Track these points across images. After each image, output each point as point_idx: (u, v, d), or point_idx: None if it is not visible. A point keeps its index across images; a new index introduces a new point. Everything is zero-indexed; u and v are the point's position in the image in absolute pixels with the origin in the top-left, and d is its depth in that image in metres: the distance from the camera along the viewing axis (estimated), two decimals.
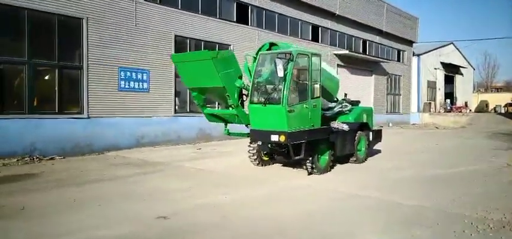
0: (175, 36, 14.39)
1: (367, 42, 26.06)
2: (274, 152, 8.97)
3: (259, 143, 8.71)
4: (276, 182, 7.94)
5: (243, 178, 8.44)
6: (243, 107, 8.42)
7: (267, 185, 7.77)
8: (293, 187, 7.63)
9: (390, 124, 27.62)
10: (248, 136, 8.70)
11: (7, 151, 10.05)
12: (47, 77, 11.46)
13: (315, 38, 21.49)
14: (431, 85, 34.97)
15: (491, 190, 7.42)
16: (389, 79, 28.52)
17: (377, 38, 26.90)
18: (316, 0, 20.70)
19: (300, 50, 8.20)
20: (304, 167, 8.44)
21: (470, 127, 27.70)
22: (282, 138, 7.59)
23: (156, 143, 13.67)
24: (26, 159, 10.12)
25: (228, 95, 8.10)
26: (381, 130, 12.15)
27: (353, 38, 24.72)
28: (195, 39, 15.17)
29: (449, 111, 35.11)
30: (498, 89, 61.97)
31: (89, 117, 11.98)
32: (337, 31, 23.18)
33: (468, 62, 42.15)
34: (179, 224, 5.29)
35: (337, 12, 22.30)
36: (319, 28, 21.76)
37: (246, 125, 8.67)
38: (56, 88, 11.37)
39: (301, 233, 5.00)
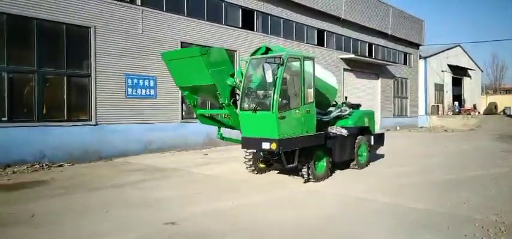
0: (181, 42, 14.50)
1: (373, 45, 25.99)
2: (270, 159, 8.71)
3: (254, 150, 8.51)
4: (283, 188, 7.92)
5: (250, 183, 8.43)
6: (235, 107, 8.02)
7: (274, 190, 7.75)
8: (300, 192, 7.60)
9: (398, 128, 27.44)
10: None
11: (17, 158, 10.18)
12: (55, 85, 11.60)
13: (320, 43, 21.49)
14: (439, 88, 34.71)
15: (502, 193, 7.32)
16: (396, 82, 28.38)
17: (383, 42, 26.81)
18: (321, 5, 20.73)
19: (291, 54, 7.80)
20: (300, 174, 8.18)
21: (479, 129, 27.41)
22: (273, 146, 7.30)
23: (163, 149, 13.73)
24: (35, 166, 10.23)
25: (218, 94, 7.80)
26: (383, 133, 11.79)
27: (359, 42, 24.67)
28: (201, 45, 15.25)
29: (458, 114, 34.78)
30: (507, 91, 61.22)
31: (97, 124, 12.09)
32: (343, 35, 23.16)
33: (476, 64, 41.80)
34: (187, 230, 5.30)
35: (343, 17, 22.30)
36: (325, 32, 21.76)
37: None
38: (65, 96, 11.51)
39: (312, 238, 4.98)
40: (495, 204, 6.40)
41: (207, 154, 13.40)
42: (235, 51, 16.29)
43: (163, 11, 14.06)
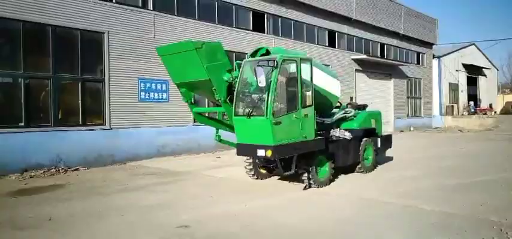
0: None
1: (385, 46, 25.73)
2: (269, 165, 8.41)
3: None
4: (295, 191, 7.85)
5: (263, 186, 8.42)
6: (232, 104, 7.60)
7: (287, 193, 7.71)
8: (312, 194, 7.55)
9: (412, 128, 27.07)
10: None
11: (34, 162, 10.39)
12: (70, 91, 11.81)
13: (331, 44, 21.38)
14: (454, 87, 34.13)
15: None
16: (409, 82, 28.02)
17: (395, 41, 26.52)
18: (332, 6, 20.63)
19: (285, 56, 7.33)
20: (301, 178, 7.80)
21: (495, 130, 26.82)
22: (269, 153, 6.93)
23: (176, 153, 13.83)
24: (52, 170, 10.42)
25: (214, 89, 7.44)
26: (390, 135, 11.37)
27: (370, 42, 24.46)
28: None
29: (474, 114, 34.12)
30: None
31: (111, 129, 12.26)
32: (354, 36, 23.00)
33: (491, 63, 40.96)
34: (201, 233, 5.32)
35: (354, 17, 22.15)
36: (336, 33, 21.64)
37: None
38: (79, 101, 11.71)
39: None
40: None
41: (219, 157, 13.44)
42: (246, 53, 16.28)
43: (175, 15, 14.20)
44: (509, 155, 13.01)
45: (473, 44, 37.46)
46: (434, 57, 31.51)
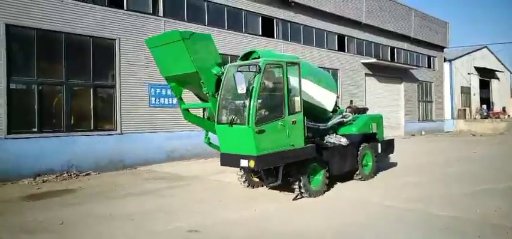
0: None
1: (396, 49, 25.52)
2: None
3: None
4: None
5: (271, 191, 8.40)
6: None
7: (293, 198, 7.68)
8: (321, 199, 7.51)
9: (423, 132, 26.74)
10: None
11: (46, 167, 10.55)
12: (82, 96, 11.99)
13: (341, 48, 21.31)
14: (466, 91, 33.64)
15: None
16: (420, 86, 27.71)
17: (405, 45, 26.29)
18: (341, 10, 20.58)
19: (270, 60, 6.91)
20: (293, 187, 7.37)
21: (509, 133, 26.33)
22: (251, 163, 6.51)
23: (185, 157, 13.90)
24: (64, 175, 10.57)
25: (202, 82, 7.05)
26: (392, 140, 10.83)
27: (380, 46, 24.30)
28: (222, 54, 15.40)
29: (486, 118, 33.55)
30: None
31: (121, 134, 12.40)
32: (364, 40, 22.88)
33: (504, 66, 40.26)
34: (210, 238, 5.34)
35: (363, 21, 22.05)
36: (346, 37, 21.57)
37: None
38: (91, 106, 11.87)
39: None
40: None
41: None
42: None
43: (184, 21, 14.33)
44: None
45: (486, 46, 36.90)
46: (445, 60, 31.13)
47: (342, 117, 9.10)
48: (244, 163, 6.68)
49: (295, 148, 7.07)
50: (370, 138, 9.44)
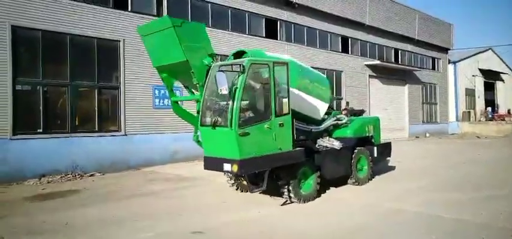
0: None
1: (399, 51, 25.45)
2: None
3: None
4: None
5: (275, 192, 8.38)
6: None
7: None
8: (326, 200, 7.49)
9: (427, 135, 26.62)
10: None
11: (51, 168, 10.60)
12: (87, 98, 12.05)
13: (345, 49, 21.28)
14: (470, 93, 33.47)
15: None
16: (424, 88, 27.61)
17: (409, 47, 26.21)
18: (345, 12, 20.55)
19: (254, 60, 6.62)
20: (282, 191, 7.11)
21: None
22: (234, 168, 6.23)
23: (189, 158, 13.89)
24: (68, 176, 10.62)
25: (192, 72, 6.77)
26: (389, 143, 10.46)
27: (384, 48, 24.23)
28: (226, 55, 15.44)
29: (491, 120, 33.36)
30: None
31: (125, 135, 12.44)
32: (368, 41, 22.83)
33: (509, 68, 40.03)
34: None
35: (367, 23, 22.00)
36: (349, 39, 21.53)
37: None
38: (96, 108, 11.93)
39: None
40: None
41: None
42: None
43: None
44: None
45: (490, 48, 36.72)
46: (450, 62, 31.01)
47: (336, 120, 8.91)
48: (227, 167, 6.39)
49: (283, 151, 6.78)
50: (365, 141, 9.23)
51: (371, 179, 9.25)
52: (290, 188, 7.00)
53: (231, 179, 8.39)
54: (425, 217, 6.20)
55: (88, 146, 11.44)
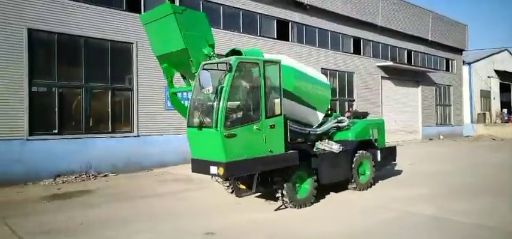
0: (217, 54, 14.73)
1: (412, 52, 25.13)
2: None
3: None
4: (318, 198, 7.58)
5: None
6: None
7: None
8: (338, 201, 7.42)
9: (441, 137, 26.20)
10: None
11: (66, 168, 10.77)
12: (101, 99, 12.22)
13: (357, 51, 21.12)
14: (485, 94, 32.86)
15: None
16: (437, 90, 27.19)
17: (422, 48, 25.86)
18: (357, 13, 20.40)
19: (242, 58, 6.42)
20: (276, 196, 6.86)
21: None
22: (220, 171, 5.98)
23: None
24: (82, 176, 10.77)
25: (191, 61, 6.59)
26: (394, 147, 9.96)
27: (397, 49, 23.96)
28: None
29: (507, 122, 32.67)
30: None
31: (138, 136, 12.56)
32: (380, 42, 22.62)
33: None
34: None
35: (379, 24, 21.79)
36: (361, 40, 21.36)
37: None
38: (109, 109, 12.08)
39: None
40: None
41: None
42: None
43: None
44: None
45: (506, 49, 36.00)
46: (464, 63, 30.48)
47: (336, 123, 8.59)
48: (213, 170, 6.12)
49: (274, 154, 6.46)
50: (368, 145, 8.78)
51: (373, 185, 8.84)
52: (284, 192, 6.73)
53: (223, 183, 7.92)
54: (437, 220, 6.09)
55: (102, 147, 11.58)
